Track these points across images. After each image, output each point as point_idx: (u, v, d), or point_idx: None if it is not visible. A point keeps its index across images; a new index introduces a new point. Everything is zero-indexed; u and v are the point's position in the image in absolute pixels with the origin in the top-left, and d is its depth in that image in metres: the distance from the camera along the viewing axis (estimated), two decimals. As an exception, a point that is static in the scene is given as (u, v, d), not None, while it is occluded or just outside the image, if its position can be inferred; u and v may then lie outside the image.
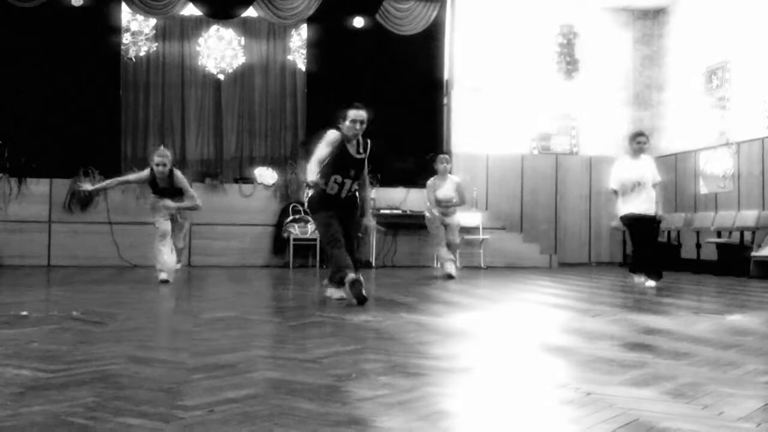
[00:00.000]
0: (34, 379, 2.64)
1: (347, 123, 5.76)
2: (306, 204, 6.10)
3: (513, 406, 2.46)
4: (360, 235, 6.45)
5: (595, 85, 13.39)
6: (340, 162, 5.80)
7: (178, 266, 8.08)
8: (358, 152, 5.89)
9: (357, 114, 5.76)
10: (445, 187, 9.07)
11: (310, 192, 5.89)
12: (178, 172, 7.69)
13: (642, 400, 2.44)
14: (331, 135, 5.78)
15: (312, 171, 5.62)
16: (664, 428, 2.09)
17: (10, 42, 11.64)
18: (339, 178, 5.83)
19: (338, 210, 5.89)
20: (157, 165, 7.49)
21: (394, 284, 7.92)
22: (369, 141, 5.95)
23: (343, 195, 5.91)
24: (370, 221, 6.37)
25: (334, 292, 5.85)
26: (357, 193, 6.09)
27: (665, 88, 13.39)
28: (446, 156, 9.51)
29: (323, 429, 2.05)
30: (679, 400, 2.45)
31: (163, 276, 7.51)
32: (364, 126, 5.84)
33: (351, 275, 5.57)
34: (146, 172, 7.69)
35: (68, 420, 2.09)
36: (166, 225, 7.57)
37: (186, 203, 7.68)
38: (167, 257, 7.54)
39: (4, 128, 11.14)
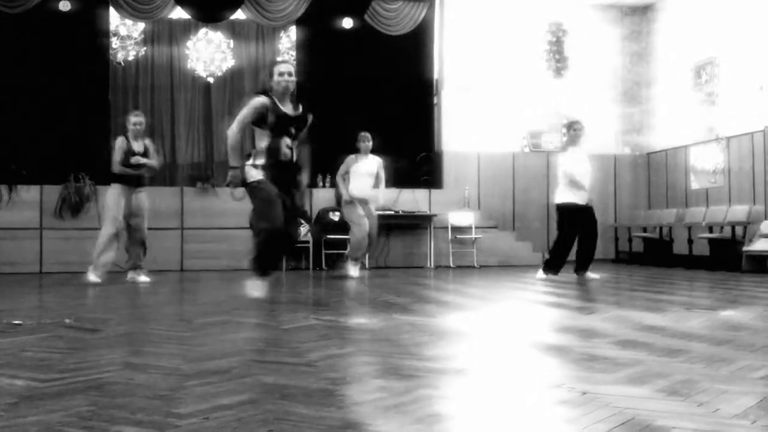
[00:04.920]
0: (27, 388, 2.62)
1: (275, 78, 5.61)
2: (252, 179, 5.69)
3: (508, 407, 2.46)
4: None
5: (585, 83, 13.43)
6: (281, 123, 5.62)
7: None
8: (295, 110, 5.74)
9: (283, 67, 5.68)
10: (368, 163, 8.82)
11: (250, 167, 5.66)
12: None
13: (637, 398, 2.45)
14: (257, 100, 5.62)
15: (234, 132, 5.59)
16: (659, 427, 2.10)
17: (-3, 48, 11.59)
18: (288, 141, 5.68)
19: (285, 179, 5.70)
20: (135, 125, 8.01)
21: (388, 285, 7.92)
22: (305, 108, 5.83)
23: (291, 158, 5.71)
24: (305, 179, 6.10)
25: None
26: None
27: (654, 85, 13.44)
28: (368, 134, 9.01)
29: (319, 434, 2.04)
30: (674, 397, 2.46)
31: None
32: (293, 78, 5.69)
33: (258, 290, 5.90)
34: (121, 142, 8.00)
35: (63, 430, 2.08)
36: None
37: (153, 161, 8.26)
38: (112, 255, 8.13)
39: (-7, 135, 11.11)
